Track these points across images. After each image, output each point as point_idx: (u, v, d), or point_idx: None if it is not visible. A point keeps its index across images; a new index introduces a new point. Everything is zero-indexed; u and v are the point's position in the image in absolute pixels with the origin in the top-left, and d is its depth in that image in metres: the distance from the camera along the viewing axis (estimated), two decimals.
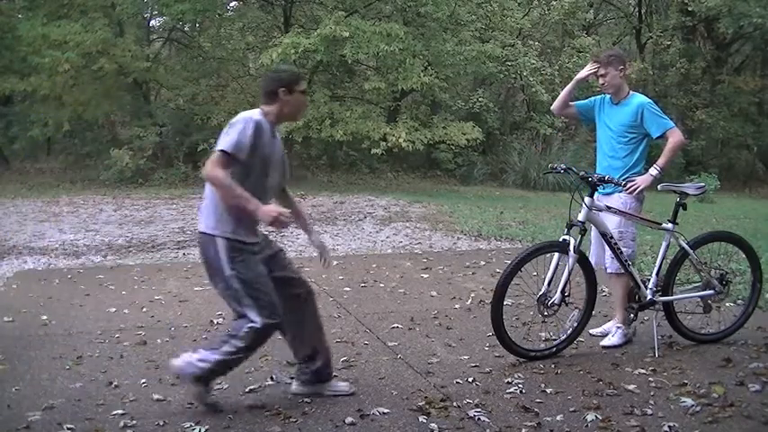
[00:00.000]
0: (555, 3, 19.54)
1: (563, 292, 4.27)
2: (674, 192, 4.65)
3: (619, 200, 4.59)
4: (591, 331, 4.78)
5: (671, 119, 4.77)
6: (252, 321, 3.46)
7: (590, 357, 4.44)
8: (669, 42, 21.44)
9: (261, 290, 3.49)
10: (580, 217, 4.35)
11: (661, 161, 4.58)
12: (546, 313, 4.30)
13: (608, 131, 4.81)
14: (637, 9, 23.18)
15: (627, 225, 4.63)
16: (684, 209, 4.65)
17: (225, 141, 3.41)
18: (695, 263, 4.71)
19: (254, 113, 3.54)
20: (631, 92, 4.77)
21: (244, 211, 3.42)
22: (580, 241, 4.31)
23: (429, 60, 15.99)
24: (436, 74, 15.82)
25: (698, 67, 20.95)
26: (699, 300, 4.78)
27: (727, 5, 18.22)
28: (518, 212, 11.71)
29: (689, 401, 3.66)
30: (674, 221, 4.62)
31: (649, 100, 4.70)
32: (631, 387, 3.88)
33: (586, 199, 4.36)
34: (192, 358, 3.51)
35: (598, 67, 4.76)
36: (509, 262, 4.33)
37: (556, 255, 4.28)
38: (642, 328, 4.91)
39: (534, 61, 17.83)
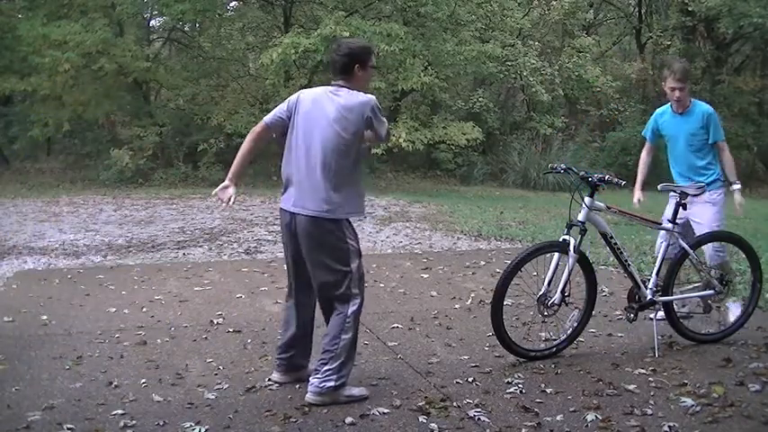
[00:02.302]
0: (555, 3, 19.54)
1: (563, 292, 4.28)
2: (674, 192, 4.66)
3: (710, 196, 4.84)
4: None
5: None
6: (354, 303, 3.69)
7: (590, 357, 4.44)
8: (669, 42, 21.44)
9: (362, 263, 3.79)
10: (580, 217, 4.35)
11: (734, 177, 4.94)
12: (546, 313, 4.30)
13: (680, 143, 4.97)
14: (637, 9, 23.17)
15: (722, 220, 4.90)
16: (684, 209, 4.66)
17: (387, 124, 3.71)
18: (695, 263, 4.71)
19: (362, 93, 3.73)
20: (692, 99, 4.94)
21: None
22: (580, 241, 4.31)
23: (429, 60, 15.98)
24: (436, 74, 15.82)
25: (698, 67, 20.92)
26: (699, 300, 4.78)
27: (727, 5, 18.21)
28: (518, 212, 11.70)
29: (689, 401, 3.67)
30: (673, 221, 4.63)
31: (711, 108, 4.92)
32: (631, 387, 3.88)
33: (586, 199, 4.36)
34: (321, 383, 3.62)
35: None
36: (509, 262, 4.33)
37: (556, 255, 4.28)
38: (642, 328, 4.91)
39: (534, 61, 17.82)
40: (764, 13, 17.51)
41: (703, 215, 4.82)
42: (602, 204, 4.45)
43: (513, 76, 18.27)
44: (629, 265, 4.52)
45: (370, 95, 3.72)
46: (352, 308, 3.69)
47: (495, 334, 4.27)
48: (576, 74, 18.69)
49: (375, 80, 15.56)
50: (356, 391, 3.72)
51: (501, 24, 18.04)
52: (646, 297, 4.54)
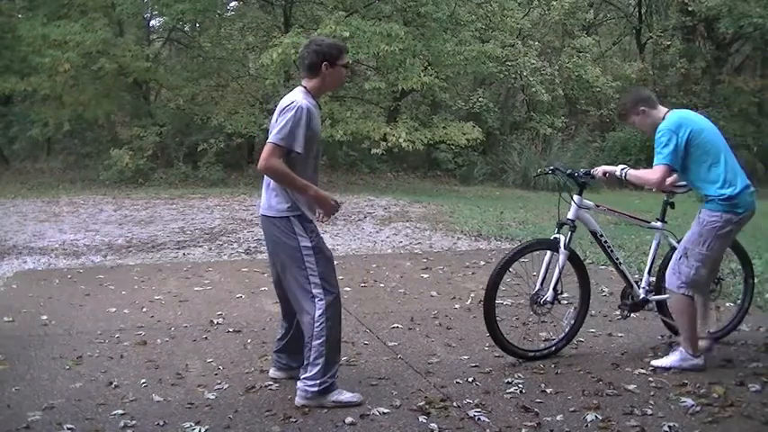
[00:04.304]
0: (555, 3, 19.53)
1: (555, 289, 4.28)
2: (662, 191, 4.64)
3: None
4: (653, 363, 4.24)
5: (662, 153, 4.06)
6: (319, 306, 3.53)
7: (590, 357, 4.44)
8: (669, 42, 21.44)
9: (328, 258, 3.61)
10: (570, 215, 4.38)
11: (633, 171, 4.25)
12: (539, 312, 4.30)
13: None
14: (637, 9, 23.17)
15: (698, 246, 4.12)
16: (672, 207, 4.65)
17: (278, 132, 3.45)
18: None
19: (301, 97, 3.54)
20: (666, 116, 4.16)
21: (304, 196, 3.56)
22: (570, 238, 4.32)
23: (429, 60, 15.98)
24: (436, 74, 15.81)
25: (698, 67, 20.93)
26: None
27: (727, 5, 18.21)
28: (518, 212, 11.70)
29: (689, 401, 3.67)
30: (662, 220, 4.63)
31: (664, 127, 4.07)
32: (631, 387, 3.88)
33: (575, 197, 4.39)
34: (305, 388, 3.58)
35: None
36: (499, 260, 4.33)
37: (547, 253, 4.29)
38: (642, 328, 4.91)
39: (534, 61, 17.83)
40: (764, 13, 17.52)
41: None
42: (590, 203, 4.47)
43: (513, 76, 18.28)
44: (620, 263, 4.53)
45: (299, 102, 3.49)
46: (317, 310, 3.54)
47: (489, 334, 4.26)
48: (576, 74, 18.69)
49: (375, 80, 15.64)
50: (346, 396, 3.64)
51: (501, 24, 18.03)
52: (638, 296, 4.55)
